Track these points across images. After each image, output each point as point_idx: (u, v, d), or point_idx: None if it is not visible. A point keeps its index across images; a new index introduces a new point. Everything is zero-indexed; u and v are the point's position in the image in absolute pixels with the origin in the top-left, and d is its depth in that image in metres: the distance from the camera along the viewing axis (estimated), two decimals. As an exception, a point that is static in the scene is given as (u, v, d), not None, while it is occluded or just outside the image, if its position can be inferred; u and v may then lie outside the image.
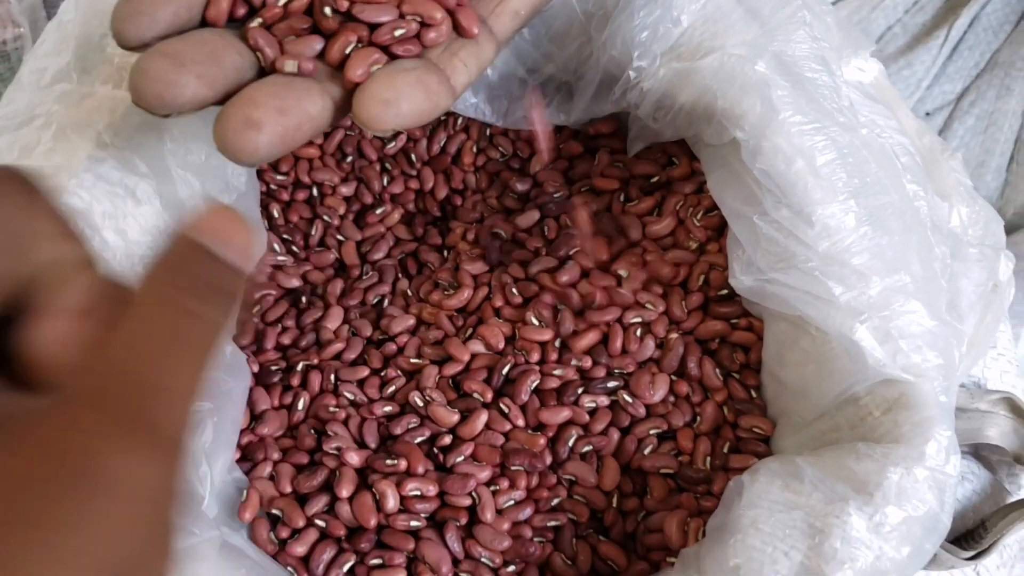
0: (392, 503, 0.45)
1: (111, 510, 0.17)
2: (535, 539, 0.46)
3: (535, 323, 0.49)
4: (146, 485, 0.17)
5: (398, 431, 0.48)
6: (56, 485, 0.16)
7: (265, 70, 0.34)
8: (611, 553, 0.45)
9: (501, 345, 0.49)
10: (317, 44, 0.35)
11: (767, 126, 0.42)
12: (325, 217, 0.58)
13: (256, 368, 0.51)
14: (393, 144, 0.59)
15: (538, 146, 0.56)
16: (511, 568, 0.45)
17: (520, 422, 0.48)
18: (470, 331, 0.51)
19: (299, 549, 0.45)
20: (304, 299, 0.55)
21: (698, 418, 0.47)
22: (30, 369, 0.20)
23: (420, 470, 0.46)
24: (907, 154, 0.45)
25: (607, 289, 0.49)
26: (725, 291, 0.49)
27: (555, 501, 0.46)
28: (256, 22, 0.34)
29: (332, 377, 0.51)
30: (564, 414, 0.47)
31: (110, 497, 0.17)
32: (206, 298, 0.20)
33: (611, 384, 0.48)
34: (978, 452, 0.50)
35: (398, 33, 0.34)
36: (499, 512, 0.46)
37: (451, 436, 0.48)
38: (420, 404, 0.48)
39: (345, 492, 0.46)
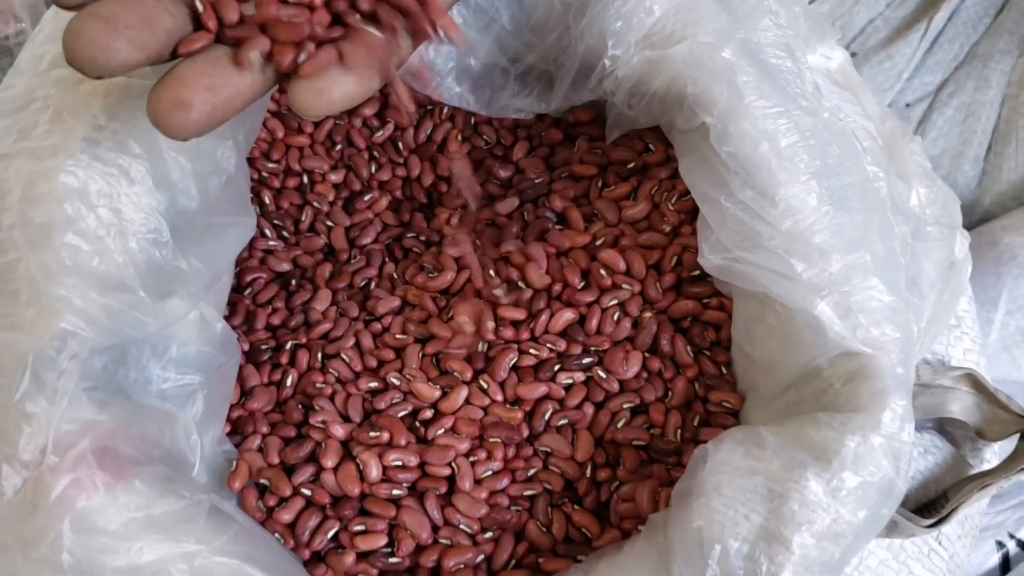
0: (375, 473, 0.47)
1: None
2: (511, 507, 0.48)
3: (504, 301, 0.51)
4: None
5: (381, 406, 0.50)
6: None
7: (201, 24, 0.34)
8: (584, 521, 0.47)
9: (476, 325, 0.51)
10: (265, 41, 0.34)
11: (733, 111, 0.44)
12: (315, 203, 0.60)
13: (247, 347, 0.53)
14: (381, 133, 0.61)
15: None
16: (488, 534, 0.47)
17: (499, 397, 0.50)
18: (451, 312, 0.53)
19: (286, 516, 0.47)
20: (294, 282, 0.57)
21: (670, 393, 0.49)
22: None
23: (402, 442, 0.48)
24: (869, 138, 0.47)
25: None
26: (697, 272, 0.50)
27: (531, 472, 0.48)
28: None
29: (319, 355, 0.53)
30: (541, 390, 0.49)
31: None
32: None
33: (586, 360, 0.49)
34: (942, 427, 0.52)
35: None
36: (477, 482, 0.48)
37: (432, 411, 0.50)
38: (401, 381, 0.50)
39: (330, 463, 0.48)
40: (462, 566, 0.46)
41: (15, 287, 0.40)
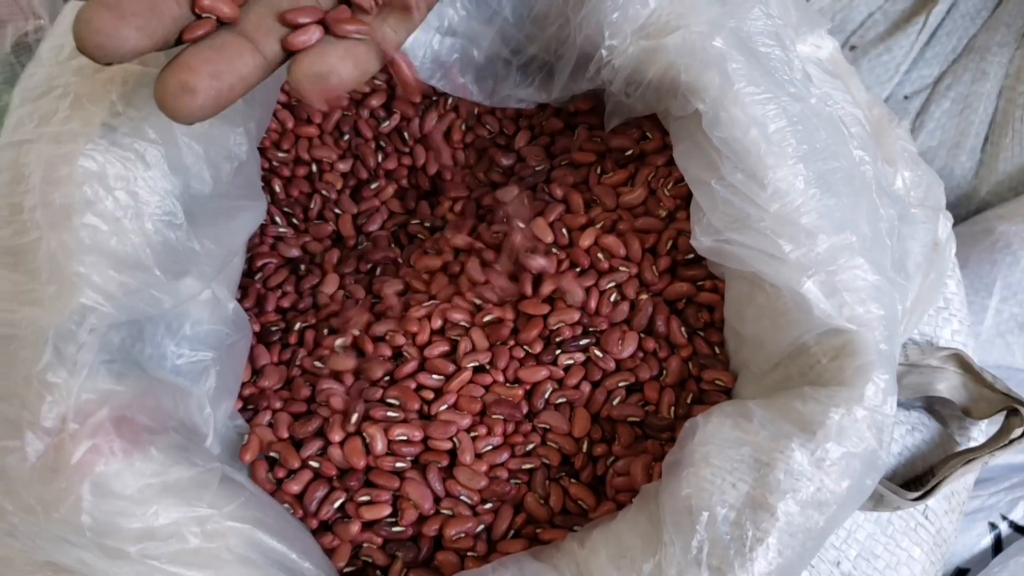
0: (380, 446, 0.49)
1: None
2: (511, 480, 0.49)
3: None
4: None
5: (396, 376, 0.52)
6: None
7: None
8: (581, 494, 0.49)
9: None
10: None
11: (724, 97, 0.45)
12: (323, 192, 0.62)
13: (257, 328, 0.55)
14: (388, 123, 0.63)
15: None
16: (488, 505, 0.49)
17: (500, 377, 0.51)
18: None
19: (294, 487, 0.49)
20: (303, 267, 0.59)
21: (664, 372, 0.51)
22: None
23: (415, 406, 0.50)
24: (857, 123, 0.48)
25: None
26: (692, 255, 0.52)
27: (530, 447, 0.50)
28: None
29: (326, 334, 0.55)
30: (542, 373, 0.51)
31: None
32: None
33: (584, 341, 0.51)
34: (930, 406, 0.53)
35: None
36: (478, 456, 0.49)
37: (434, 392, 0.52)
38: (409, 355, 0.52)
39: (336, 437, 0.50)
40: (463, 535, 0.48)
41: (37, 265, 0.42)
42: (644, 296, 0.52)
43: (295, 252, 0.60)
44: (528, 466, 0.50)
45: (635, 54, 0.49)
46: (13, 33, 0.88)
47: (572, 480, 0.50)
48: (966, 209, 0.78)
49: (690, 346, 0.51)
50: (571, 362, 0.51)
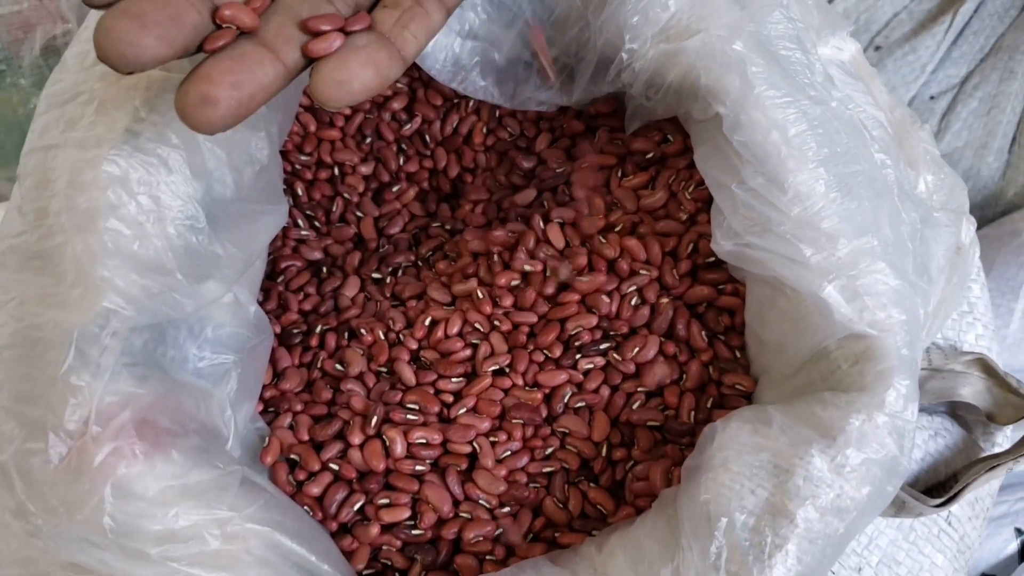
0: (400, 449, 0.49)
1: None
2: (529, 484, 0.50)
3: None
4: None
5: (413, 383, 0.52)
6: None
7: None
8: (600, 498, 0.49)
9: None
10: None
11: (745, 100, 0.45)
12: (345, 195, 0.62)
13: (279, 330, 0.56)
14: (409, 126, 0.63)
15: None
16: (506, 509, 0.49)
17: (519, 381, 0.52)
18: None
19: (315, 490, 0.49)
20: (325, 269, 0.60)
21: (684, 376, 0.51)
22: None
23: (434, 409, 0.50)
24: (878, 126, 0.48)
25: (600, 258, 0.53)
26: (712, 259, 0.52)
27: (549, 451, 0.50)
28: None
29: (346, 337, 0.55)
30: (562, 377, 0.51)
31: None
32: None
33: (604, 345, 0.51)
34: (954, 411, 0.53)
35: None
36: (497, 460, 0.50)
37: (453, 395, 0.52)
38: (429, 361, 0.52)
39: (357, 440, 0.50)
40: (481, 538, 0.48)
41: (62, 268, 0.42)
42: (665, 300, 0.52)
43: (317, 255, 0.60)
44: (547, 470, 0.50)
45: (655, 57, 0.49)
46: (42, 37, 0.89)
47: (591, 484, 0.50)
48: (992, 211, 0.77)
49: (710, 350, 0.51)
50: (591, 366, 0.51)
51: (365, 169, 0.63)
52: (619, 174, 0.57)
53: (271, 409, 0.53)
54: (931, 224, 0.48)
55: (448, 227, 0.61)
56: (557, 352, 0.51)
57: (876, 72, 0.51)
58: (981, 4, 0.80)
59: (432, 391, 0.52)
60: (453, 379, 0.51)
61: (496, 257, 0.55)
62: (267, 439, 0.51)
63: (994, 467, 0.48)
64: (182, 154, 0.45)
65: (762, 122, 0.45)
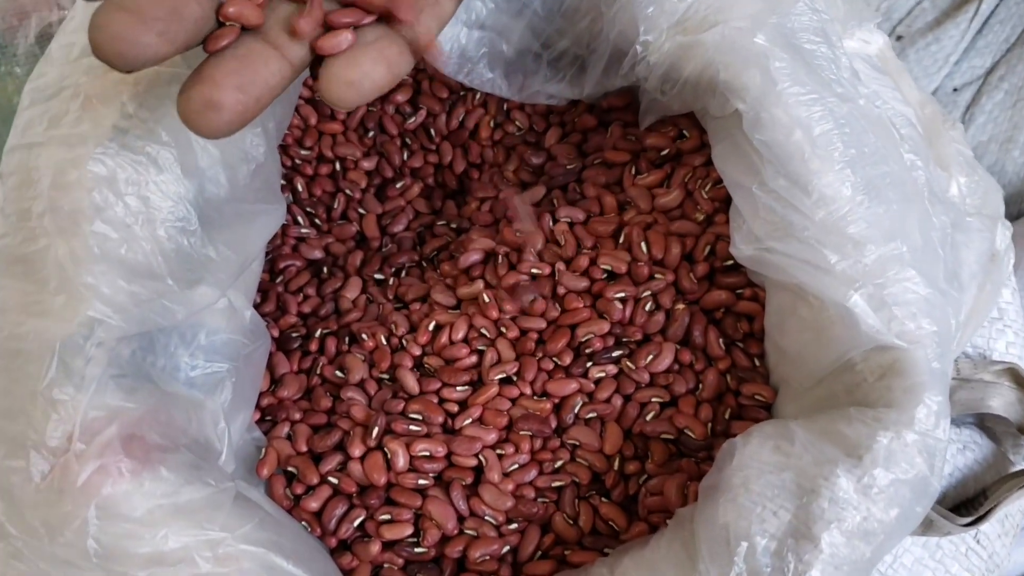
0: (402, 462, 0.47)
1: None
2: (538, 499, 0.47)
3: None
4: None
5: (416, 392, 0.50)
6: None
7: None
8: (612, 514, 0.46)
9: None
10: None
11: (766, 97, 0.43)
12: (347, 191, 0.60)
13: (277, 334, 0.54)
14: (413, 120, 0.61)
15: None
16: (514, 526, 0.47)
17: (527, 390, 0.49)
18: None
19: (313, 504, 0.47)
20: (325, 269, 0.57)
21: (700, 385, 0.48)
22: None
23: (438, 420, 0.48)
24: (908, 125, 0.46)
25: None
26: (731, 262, 0.50)
27: (558, 464, 0.48)
28: None
29: (347, 342, 0.53)
30: (572, 386, 0.49)
31: None
32: None
33: (616, 353, 0.49)
34: (982, 423, 0.51)
35: None
36: (505, 474, 0.47)
37: (458, 404, 0.49)
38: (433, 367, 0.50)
39: (357, 452, 0.48)
40: (487, 557, 0.46)
41: (44, 274, 0.40)
42: (681, 306, 0.50)
43: (317, 254, 0.58)
44: (557, 484, 0.47)
45: (671, 50, 0.47)
46: (37, 24, 0.87)
47: (603, 499, 0.47)
48: (1018, 208, 0.74)
49: (728, 358, 0.49)
50: (602, 375, 0.49)
51: (368, 164, 0.60)
52: (632, 171, 0.54)
53: (268, 418, 0.51)
54: (963, 229, 0.46)
55: (454, 226, 0.58)
56: (567, 360, 0.49)
57: (905, 67, 0.48)
58: (1007, -8, 0.77)
59: (436, 400, 0.49)
60: (458, 388, 0.49)
61: (502, 259, 0.52)
62: (263, 450, 0.48)
63: (1027, 484, 0.46)
64: (172, 152, 0.43)
65: (785, 120, 0.43)
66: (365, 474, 0.47)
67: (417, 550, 0.46)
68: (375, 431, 0.47)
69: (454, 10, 0.38)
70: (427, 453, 0.47)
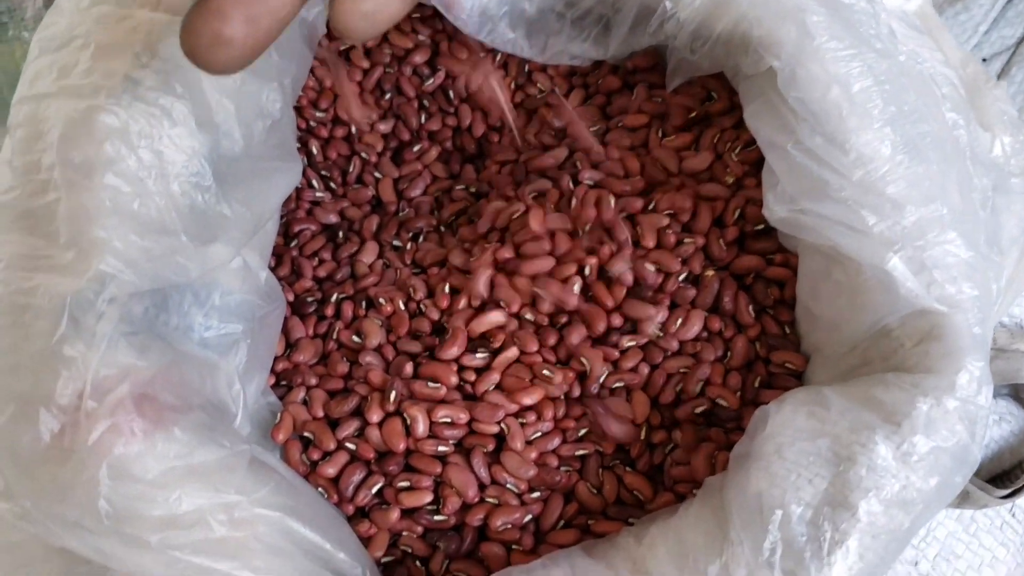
0: (422, 428, 0.45)
1: None
2: (561, 468, 0.46)
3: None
4: None
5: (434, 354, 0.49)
6: None
7: None
8: (637, 484, 0.45)
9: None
10: None
11: (802, 53, 0.42)
12: (363, 154, 0.59)
13: (292, 298, 0.52)
14: (432, 81, 0.59)
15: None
16: (536, 494, 0.45)
17: (552, 358, 0.48)
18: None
19: (330, 470, 0.46)
20: (341, 234, 0.56)
21: (729, 353, 0.47)
22: None
23: (453, 381, 0.47)
24: (949, 84, 0.44)
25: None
26: (761, 226, 0.48)
27: (582, 432, 0.46)
28: None
29: (364, 306, 0.51)
30: (598, 355, 0.47)
31: None
32: None
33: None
34: (1018, 394, 0.49)
35: None
36: (528, 442, 0.46)
37: (475, 373, 0.48)
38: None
39: (375, 417, 0.46)
40: (509, 526, 0.44)
41: (53, 228, 0.39)
42: (711, 272, 0.48)
43: (333, 218, 0.57)
44: (581, 452, 0.46)
45: (702, 6, 0.46)
46: (45, -13, 0.86)
47: (627, 468, 0.46)
48: (1048, 180, 0.73)
49: (758, 325, 0.47)
50: (632, 344, 0.47)
51: (384, 127, 0.59)
52: (659, 134, 0.53)
53: (283, 383, 0.50)
54: (1003, 191, 0.44)
55: (472, 190, 0.57)
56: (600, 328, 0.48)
57: (945, 25, 0.47)
58: (1039, -40, 0.75)
59: (455, 368, 0.48)
60: (478, 354, 0.48)
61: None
62: (279, 415, 0.47)
63: (1066, 456, 0.45)
64: (187, 105, 0.42)
65: (822, 77, 0.41)
66: (383, 440, 0.46)
67: (437, 518, 0.45)
68: (393, 395, 0.46)
69: None
70: (448, 419, 0.46)
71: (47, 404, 0.37)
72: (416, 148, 0.59)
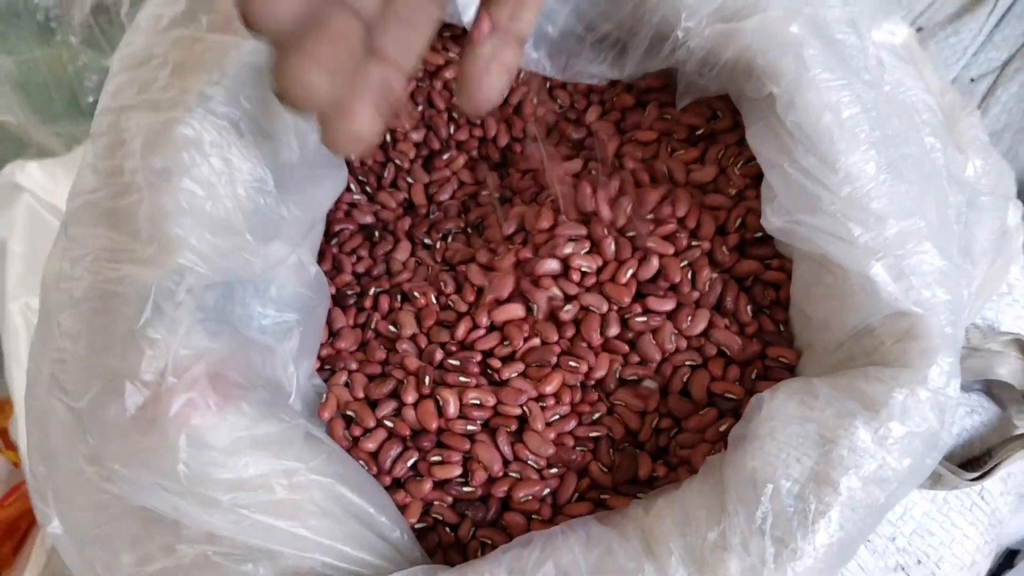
0: (452, 409, 0.51)
1: None
2: (577, 448, 0.51)
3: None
4: None
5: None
6: None
7: None
8: (644, 464, 0.50)
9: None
10: None
11: (800, 82, 0.46)
12: (396, 161, 0.64)
13: (333, 291, 0.58)
14: (460, 95, 0.64)
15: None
16: (554, 470, 0.51)
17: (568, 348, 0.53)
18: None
19: (370, 445, 0.51)
20: (377, 233, 0.61)
21: (730, 348, 0.52)
22: None
23: (475, 369, 0.52)
24: (929, 110, 0.49)
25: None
26: (759, 234, 0.53)
27: (596, 415, 0.52)
28: None
29: (399, 299, 0.57)
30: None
31: None
32: None
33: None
34: (990, 389, 0.54)
35: None
36: (547, 424, 0.51)
37: (500, 361, 0.53)
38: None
39: (410, 399, 0.52)
40: (530, 497, 0.50)
41: (135, 225, 0.44)
42: (715, 274, 0.53)
43: (369, 219, 0.62)
44: (594, 434, 0.51)
45: (711, 36, 0.50)
46: (92, -4, 0.89)
47: (637, 450, 0.51)
48: (1029, 193, 0.78)
49: (756, 323, 0.52)
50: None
51: (416, 136, 0.64)
52: (668, 149, 0.58)
53: (327, 367, 0.55)
54: (976, 207, 0.49)
55: (497, 195, 0.62)
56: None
57: (927, 57, 0.52)
58: (1026, -13, 0.80)
59: (481, 356, 0.53)
60: (504, 344, 0.53)
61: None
62: (324, 395, 0.52)
63: (1028, 445, 0.50)
64: (252, 119, 0.46)
65: (816, 104, 0.46)
66: (418, 419, 0.51)
67: (465, 489, 0.50)
68: (427, 379, 0.51)
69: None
70: (477, 401, 0.51)
71: (132, 379, 0.42)
72: (445, 156, 0.64)
